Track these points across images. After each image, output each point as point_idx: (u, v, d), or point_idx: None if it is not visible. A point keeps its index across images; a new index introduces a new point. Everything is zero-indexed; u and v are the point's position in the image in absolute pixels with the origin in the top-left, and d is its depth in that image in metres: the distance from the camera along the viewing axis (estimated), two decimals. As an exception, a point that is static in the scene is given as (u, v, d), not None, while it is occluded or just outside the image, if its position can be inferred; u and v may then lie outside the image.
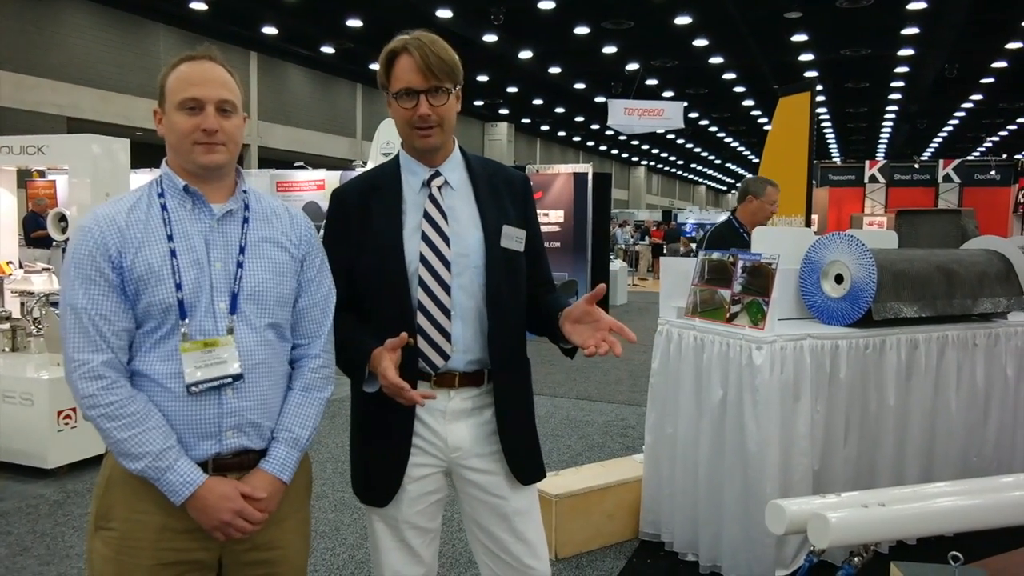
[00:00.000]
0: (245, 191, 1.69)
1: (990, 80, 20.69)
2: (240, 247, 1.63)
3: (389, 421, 1.82)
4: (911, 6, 14.10)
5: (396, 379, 1.66)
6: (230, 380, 1.57)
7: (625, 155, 44.09)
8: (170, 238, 1.57)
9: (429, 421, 1.82)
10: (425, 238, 1.77)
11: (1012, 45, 16.92)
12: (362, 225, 1.82)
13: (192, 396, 1.55)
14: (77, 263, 1.54)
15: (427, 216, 1.79)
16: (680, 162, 48.40)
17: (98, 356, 1.52)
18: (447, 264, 1.77)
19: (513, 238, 1.82)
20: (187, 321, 1.56)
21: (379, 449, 1.85)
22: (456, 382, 1.81)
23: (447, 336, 1.77)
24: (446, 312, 1.77)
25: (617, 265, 14.86)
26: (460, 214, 1.81)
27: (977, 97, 23.30)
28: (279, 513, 1.66)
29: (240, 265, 1.62)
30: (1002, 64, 18.79)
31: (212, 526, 1.55)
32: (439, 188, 1.81)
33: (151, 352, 1.56)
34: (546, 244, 2.08)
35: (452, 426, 1.83)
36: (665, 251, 21.63)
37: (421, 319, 1.76)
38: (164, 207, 1.60)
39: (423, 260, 1.76)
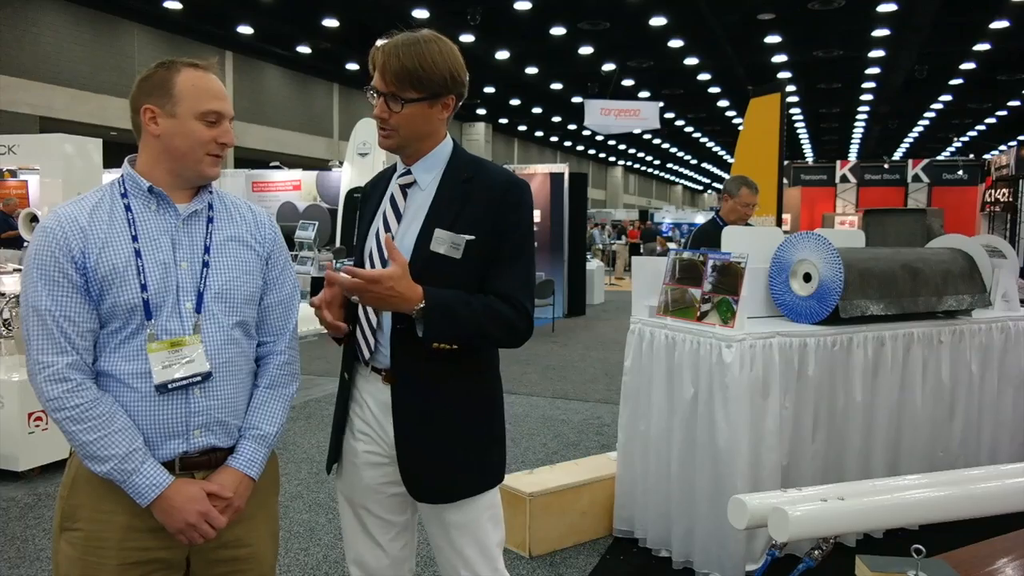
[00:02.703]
0: (210, 191, 1.70)
1: (959, 81, 21.04)
2: (206, 247, 1.64)
3: (338, 396, 1.93)
4: (881, 8, 14.31)
5: (316, 300, 1.75)
6: (199, 379, 1.58)
7: (602, 155, 44.26)
8: (135, 238, 1.58)
9: (375, 411, 1.84)
10: (376, 234, 1.83)
11: (979, 47, 17.22)
12: (361, 217, 1.94)
13: (160, 396, 1.56)
14: (40, 264, 1.53)
15: (383, 213, 1.84)
16: (657, 162, 48.67)
17: (63, 358, 1.52)
18: (384, 262, 1.78)
19: (447, 243, 1.73)
20: (153, 321, 1.57)
21: (334, 421, 1.96)
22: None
23: (373, 330, 1.80)
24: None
25: (594, 265, 14.93)
26: (414, 214, 1.81)
27: (946, 98, 23.68)
28: (246, 510, 1.67)
29: (206, 264, 1.63)
30: (970, 65, 19.13)
31: (177, 528, 1.56)
32: (404, 187, 1.83)
33: (116, 352, 1.56)
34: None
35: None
36: (642, 250, 21.76)
37: (360, 310, 1.82)
38: (128, 207, 1.60)
39: (370, 255, 1.83)
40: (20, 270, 5.62)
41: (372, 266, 1.81)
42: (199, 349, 1.59)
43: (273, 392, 1.73)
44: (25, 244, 6.10)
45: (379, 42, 1.75)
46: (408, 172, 1.83)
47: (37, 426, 4.49)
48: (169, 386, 1.56)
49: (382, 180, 1.94)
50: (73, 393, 1.52)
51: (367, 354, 1.82)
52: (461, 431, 1.81)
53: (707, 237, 4.44)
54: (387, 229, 1.81)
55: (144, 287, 1.56)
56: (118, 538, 1.57)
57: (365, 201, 1.96)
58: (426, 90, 1.71)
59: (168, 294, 1.59)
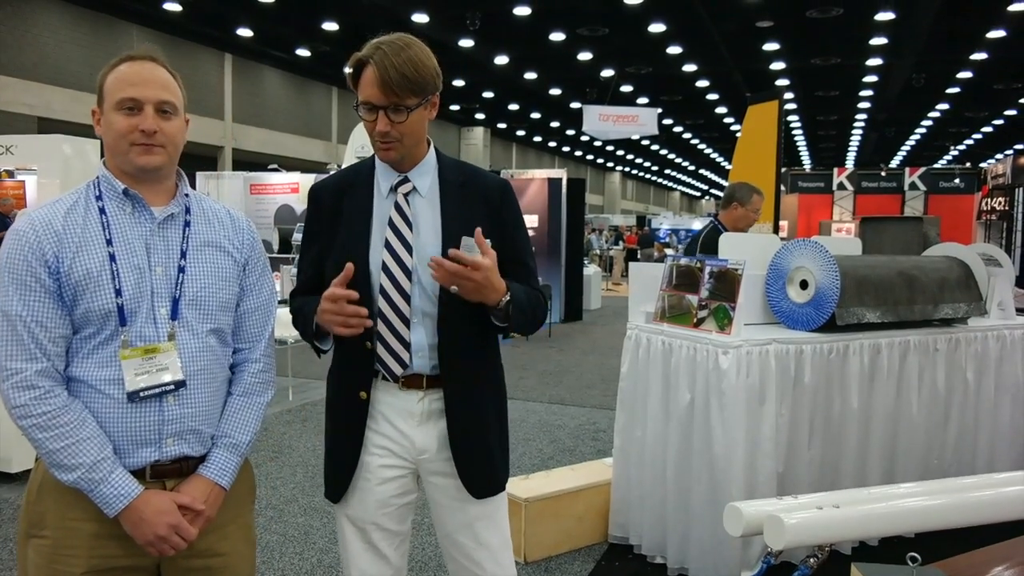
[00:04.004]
0: (187, 194, 1.67)
1: (956, 90, 21.11)
2: (182, 251, 1.61)
3: (345, 419, 1.85)
4: (879, 16, 14.35)
5: (335, 288, 1.66)
6: (172, 387, 1.55)
7: (600, 160, 44.32)
8: (109, 242, 1.55)
9: (397, 422, 1.83)
10: (388, 246, 1.77)
11: (976, 56, 17.29)
12: (332, 225, 1.83)
13: (132, 403, 1.53)
14: (12, 269, 1.50)
15: (391, 224, 1.79)
16: (655, 168, 48.74)
17: (32, 365, 1.48)
18: (408, 273, 1.76)
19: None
20: (127, 327, 1.53)
21: (335, 446, 1.89)
22: (424, 384, 1.82)
23: (405, 344, 1.77)
24: (405, 321, 1.77)
25: (591, 270, 14.94)
26: (424, 222, 1.80)
27: (943, 106, 23.75)
28: (218, 519, 1.64)
29: (182, 270, 1.60)
30: (967, 74, 19.20)
31: (146, 540, 1.52)
32: (405, 195, 1.81)
33: (89, 358, 1.53)
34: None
35: (421, 428, 1.83)
36: (639, 256, 21.77)
37: (381, 326, 1.77)
38: (103, 210, 1.57)
39: (384, 268, 1.76)
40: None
41: (390, 279, 1.76)
42: (174, 356, 1.56)
43: (247, 400, 1.70)
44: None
45: (361, 55, 1.71)
46: (406, 179, 1.82)
47: (31, 427, 4.47)
48: (141, 394, 1.53)
49: (355, 186, 1.86)
50: (40, 400, 1.48)
51: (399, 369, 1.79)
52: (494, 424, 1.91)
53: (715, 245, 4.40)
54: (399, 238, 1.77)
55: (118, 292, 1.53)
56: (87, 545, 1.54)
57: (333, 209, 1.84)
58: (423, 93, 1.72)
59: (143, 300, 1.55)
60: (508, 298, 1.72)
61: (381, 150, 1.77)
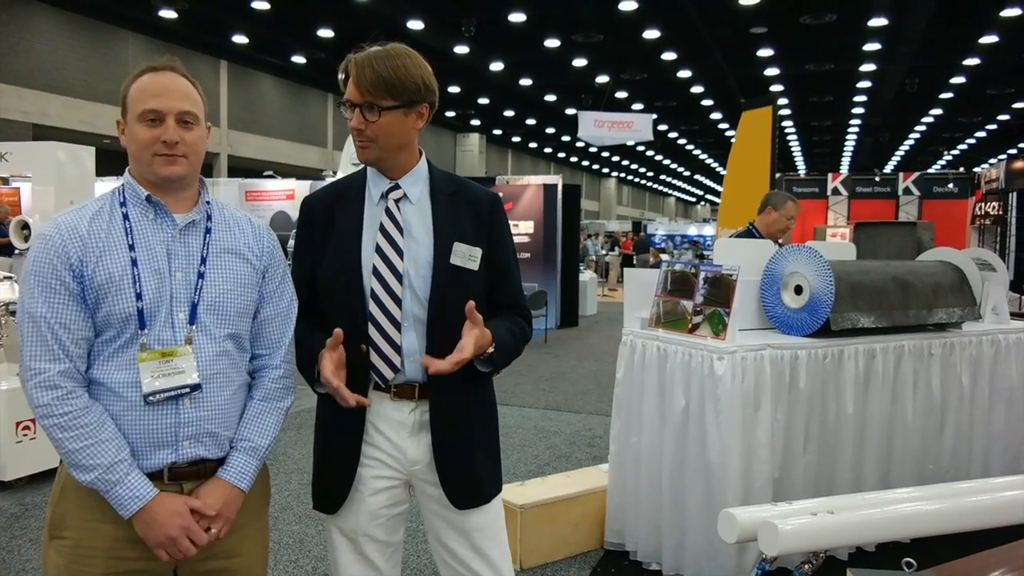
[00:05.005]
0: (208, 202, 1.70)
1: (949, 95, 21.21)
2: (201, 257, 1.64)
3: (340, 430, 1.85)
4: (872, 22, 14.42)
5: (331, 376, 1.69)
6: (187, 390, 1.58)
7: (596, 166, 44.36)
8: (131, 247, 1.58)
9: (389, 434, 1.83)
10: (379, 250, 1.78)
11: (969, 61, 17.38)
12: (325, 234, 1.85)
13: (149, 405, 1.56)
14: (37, 271, 1.54)
15: (382, 229, 1.80)
16: (650, 174, 48.81)
17: (55, 366, 1.52)
18: (399, 277, 1.77)
19: (465, 256, 1.81)
20: (146, 331, 1.57)
21: (329, 457, 1.88)
22: (416, 394, 1.81)
23: (396, 348, 1.78)
24: (396, 324, 1.77)
25: (587, 276, 14.94)
26: (415, 228, 1.82)
27: (937, 111, 23.85)
28: (237, 521, 1.66)
29: (201, 276, 1.63)
30: (960, 79, 19.28)
31: (158, 543, 1.54)
32: (396, 201, 1.82)
33: (109, 361, 1.56)
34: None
35: (413, 439, 1.83)
36: (635, 262, 21.77)
37: (372, 330, 1.78)
38: (126, 216, 1.61)
39: (375, 272, 1.77)
40: (10, 278, 5.58)
41: (381, 283, 1.76)
42: (190, 360, 1.59)
43: (267, 405, 1.72)
44: (16, 252, 6.06)
45: (349, 56, 1.75)
46: (397, 186, 1.83)
47: (25, 435, 4.45)
48: (157, 396, 1.55)
49: (348, 195, 1.87)
50: (62, 401, 1.52)
51: (391, 375, 1.79)
52: (483, 434, 1.91)
53: None
54: (390, 242, 1.78)
55: (139, 296, 1.56)
56: (106, 548, 1.57)
57: (326, 219, 1.85)
58: (401, 97, 1.73)
59: (162, 304, 1.59)
60: (492, 349, 1.78)
61: (359, 149, 1.80)
